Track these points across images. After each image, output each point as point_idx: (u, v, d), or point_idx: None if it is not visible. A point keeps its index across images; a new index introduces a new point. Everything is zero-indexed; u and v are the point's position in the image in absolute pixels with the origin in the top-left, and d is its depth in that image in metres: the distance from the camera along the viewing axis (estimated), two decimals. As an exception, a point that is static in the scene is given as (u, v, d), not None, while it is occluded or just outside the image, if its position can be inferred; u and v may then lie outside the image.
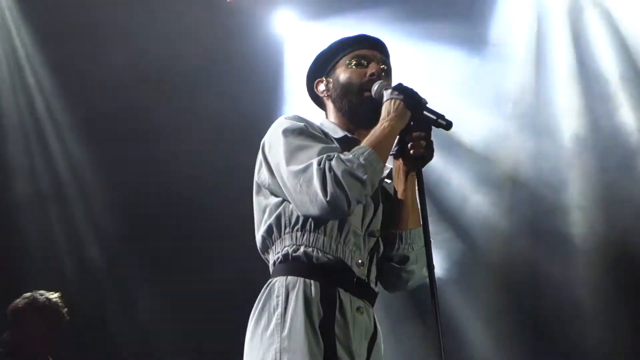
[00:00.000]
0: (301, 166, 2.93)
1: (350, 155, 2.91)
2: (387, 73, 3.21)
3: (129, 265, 6.51)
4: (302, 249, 2.99)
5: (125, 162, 6.58)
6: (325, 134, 3.13)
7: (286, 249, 3.01)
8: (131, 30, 6.31)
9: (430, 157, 3.05)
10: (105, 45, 6.31)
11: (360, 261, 3.03)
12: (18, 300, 5.15)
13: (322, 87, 3.25)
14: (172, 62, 6.46)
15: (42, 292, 5.19)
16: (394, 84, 3.11)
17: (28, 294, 5.16)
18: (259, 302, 3.01)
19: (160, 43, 6.40)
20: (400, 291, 3.25)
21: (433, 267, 2.99)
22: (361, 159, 2.90)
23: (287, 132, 3.03)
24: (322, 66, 3.27)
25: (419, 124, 3.04)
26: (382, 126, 2.99)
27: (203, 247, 6.60)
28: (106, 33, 6.32)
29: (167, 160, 6.51)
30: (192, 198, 6.58)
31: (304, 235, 3.01)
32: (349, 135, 3.18)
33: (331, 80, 3.23)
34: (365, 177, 2.89)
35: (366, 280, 3.05)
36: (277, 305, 2.95)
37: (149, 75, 6.36)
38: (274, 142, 3.05)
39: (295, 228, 3.01)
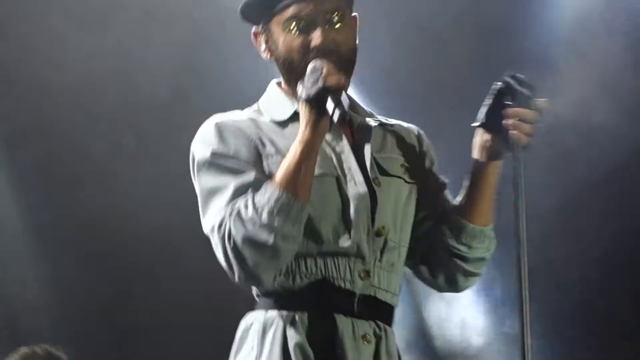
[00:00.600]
0: (210, 224, 2.31)
1: (251, 210, 2.25)
2: (340, 27, 2.42)
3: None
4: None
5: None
6: (259, 128, 2.43)
7: None
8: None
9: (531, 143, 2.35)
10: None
11: (365, 270, 2.38)
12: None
13: (261, 44, 2.48)
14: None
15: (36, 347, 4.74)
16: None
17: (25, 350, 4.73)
18: (234, 345, 2.42)
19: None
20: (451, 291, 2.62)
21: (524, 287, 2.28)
22: (264, 215, 2.23)
23: (199, 167, 2.37)
24: (254, 7, 2.47)
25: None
26: (294, 150, 2.28)
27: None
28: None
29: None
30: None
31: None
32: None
33: (269, 40, 2.46)
34: (271, 240, 2.23)
35: (374, 295, 2.39)
36: (255, 345, 2.36)
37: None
38: (194, 176, 2.43)
39: None
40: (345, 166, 2.40)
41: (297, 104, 2.37)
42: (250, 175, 2.33)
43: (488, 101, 2.37)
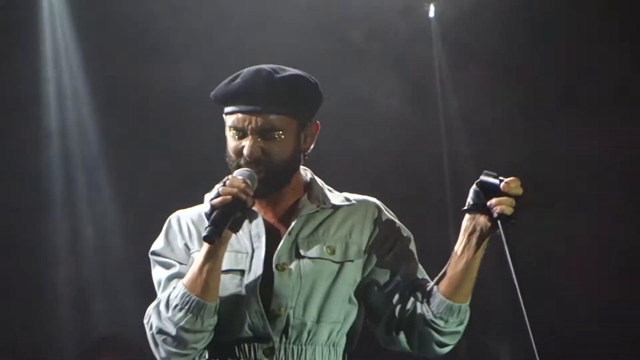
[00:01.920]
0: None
1: (164, 305, 2.63)
2: (274, 140, 2.65)
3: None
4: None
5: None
6: (198, 224, 2.76)
7: None
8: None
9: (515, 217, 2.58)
10: None
11: (269, 348, 2.66)
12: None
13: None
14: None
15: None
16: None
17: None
18: None
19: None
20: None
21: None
22: (169, 310, 2.61)
23: (151, 262, 2.80)
24: (219, 101, 2.74)
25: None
26: (200, 254, 2.61)
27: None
28: None
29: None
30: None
31: (209, 349, 2.72)
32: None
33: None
34: (173, 332, 2.61)
35: None
36: None
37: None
38: None
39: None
40: (254, 262, 2.67)
41: None
42: (176, 269, 2.70)
43: (471, 192, 2.64)
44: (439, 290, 2.66)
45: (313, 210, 2.73)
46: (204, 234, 2.54)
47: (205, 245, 2.57)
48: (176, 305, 2.59)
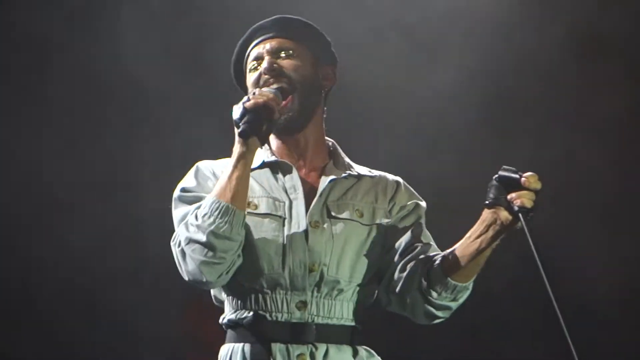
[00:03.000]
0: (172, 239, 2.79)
1: (193, 217, 2.70)
2: (288, 58, 2.88)
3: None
4: (227, 315, 2.81)
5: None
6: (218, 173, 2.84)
7: (221, 318, 2.85)
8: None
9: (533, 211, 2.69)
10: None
11: (302, 301, 2.75)
12: None
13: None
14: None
15: None
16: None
17: None
18: None
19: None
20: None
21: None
22: (199, 218, 2.67)
23: (173, 202, 2.85)
24: (240, 59, 2.99)
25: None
26: (229, 165, 2.71)
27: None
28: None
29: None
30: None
31: (228, 297, 2.82)
32: (277, 159, 2.90)
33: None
34: (204, 238, 2.65)
35: (311, 321, 2.75)
36: None
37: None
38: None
39: (223, 294, 2.85)
40: (294, 211, 2.78)
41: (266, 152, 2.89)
42: (198, 203, 2.74)
43: (490, 187, 2.73)
44: (441, 265, 2.76)
45: (340, 175, 2.88)
46: (238, 130, 2.64)
47: (235, 153, 2.66)
48: (205, 214, 2.65)
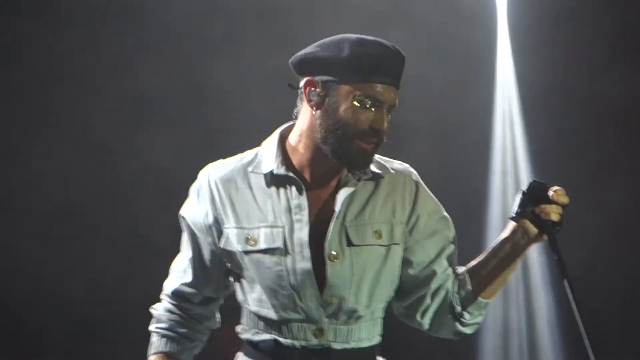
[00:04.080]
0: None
1: (155, 324, 2.84)
2: (389, 113, 2.67)
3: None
4: (245, 330, 2.75)
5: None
6: (224, 188, 2.71)
7: (239, 330, 2.78)
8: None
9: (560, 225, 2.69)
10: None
11: (319, 329, 2.66)
12: None
13: (311, 92, 2.65)
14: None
15: None
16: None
17: None
18: None
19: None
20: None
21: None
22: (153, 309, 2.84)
23: (180, 219, 2.82)
24: (323, 63, 2.64)
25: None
26: None
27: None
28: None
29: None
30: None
31: (245, 314, 2.75)
32: (287, 174, 2.68)
33: (326, 96, 2.63)
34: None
35: (328, 346, 2.66)
36: None
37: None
38: None
39: (244, 307, 2.77)
40: (295, 238, 2.63)
41: (280, 163, 2.67)
42: (186, 257, 2.76)
43: (517, 199, 2.73)
44: (471, 286, 2.73)
45: (355, 185, 2.69)
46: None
47: None
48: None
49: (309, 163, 2.67)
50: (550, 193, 2.64)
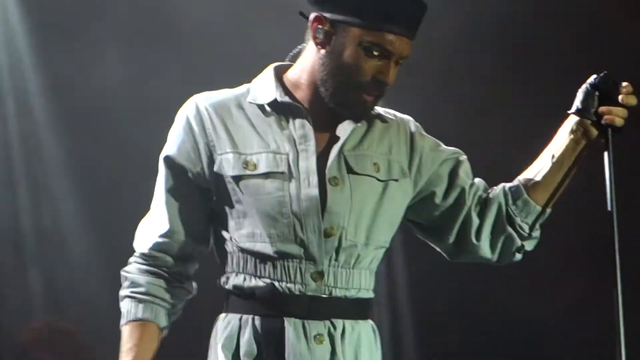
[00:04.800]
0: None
1: (129, 288, 2.53)
2: (398, 65, 2.53)
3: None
4: (232, 278, 2.50)
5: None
6: (216, 116, 2.53)
7: (221, 279, 2.54)
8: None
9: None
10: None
11: (318, 272, 2.47)
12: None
13: (317, 29, 2.51)
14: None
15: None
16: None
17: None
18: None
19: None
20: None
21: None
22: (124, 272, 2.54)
23: (160, 164, 2.57)
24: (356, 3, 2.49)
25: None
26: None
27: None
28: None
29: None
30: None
31: (232, 259, 2.51)
32: (291, 101, 2.54)
33: (332, 36, 2.50)
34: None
35: (328, 293, 2.48)
36: (213, 351, 2.51)
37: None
38: None
39: (227, 252, 2.52)
40: (301, 165, 2.48)
41: (284, 95, 2.53)
42: (162, 206, 2.53)
43: (581, 93, 2.59)
44: (530, 195, 2.62)
45: (357, 121, 2.56)
46: None
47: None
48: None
49: (310, 98, 2.52)
50: (621, 96, 2.52)
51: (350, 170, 2.53)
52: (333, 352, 2.46)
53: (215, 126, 2.52)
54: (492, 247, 2.64)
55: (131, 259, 2.55)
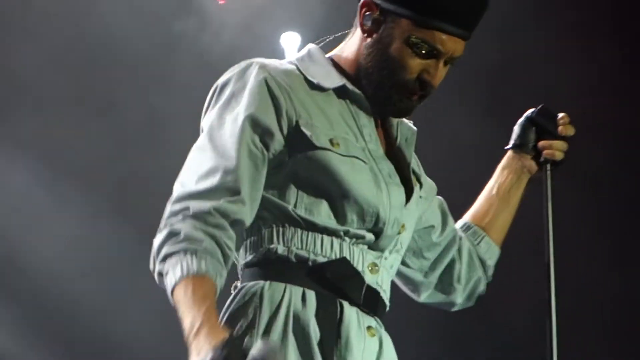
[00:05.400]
0: (174, 196, 2.14)
1: (182, 243, 2.07)
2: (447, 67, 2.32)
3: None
4: (293, 249, 2.19)
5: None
6: (291, 89, 2.24)
7: (269, 247, 2.21)
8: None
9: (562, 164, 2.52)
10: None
11: (375, 263, 2.26)
12: None
13: (365, 16, 2.28)
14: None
15: None
16: None
17: None
18: (224, 314, 2.20)
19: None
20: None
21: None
22: (166, 264, 2.06)
23: (240, 122, 2.20)
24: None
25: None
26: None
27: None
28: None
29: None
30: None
31: (295, 232, 2.22)
32: (348, 85, 2.29)
33: (381, 25, 2.26)
34: (162, 272, 2.06)
35: (379, 291, 2.26)
36: (255, 320, 2.16)
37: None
38: (210, 103, 2.26)
39: (282, 221, 2.22)
40: (380, 161, 2.29)
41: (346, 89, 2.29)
42: (235, 164, 2.16)
43: (518, 128, 2.53)
44: (489, 236, 2.53)
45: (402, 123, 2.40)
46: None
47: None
48: (167, 263, 2.06)
49: (359, 87, 2.30)
50: (560, 128, 2.45)
51: (415, 175, 2.39)
52: (380, 348, 2.26)
53: (293, 99, 2.25)
54: (464, 290, 2.52)
55: (180, 215, 2.11)
